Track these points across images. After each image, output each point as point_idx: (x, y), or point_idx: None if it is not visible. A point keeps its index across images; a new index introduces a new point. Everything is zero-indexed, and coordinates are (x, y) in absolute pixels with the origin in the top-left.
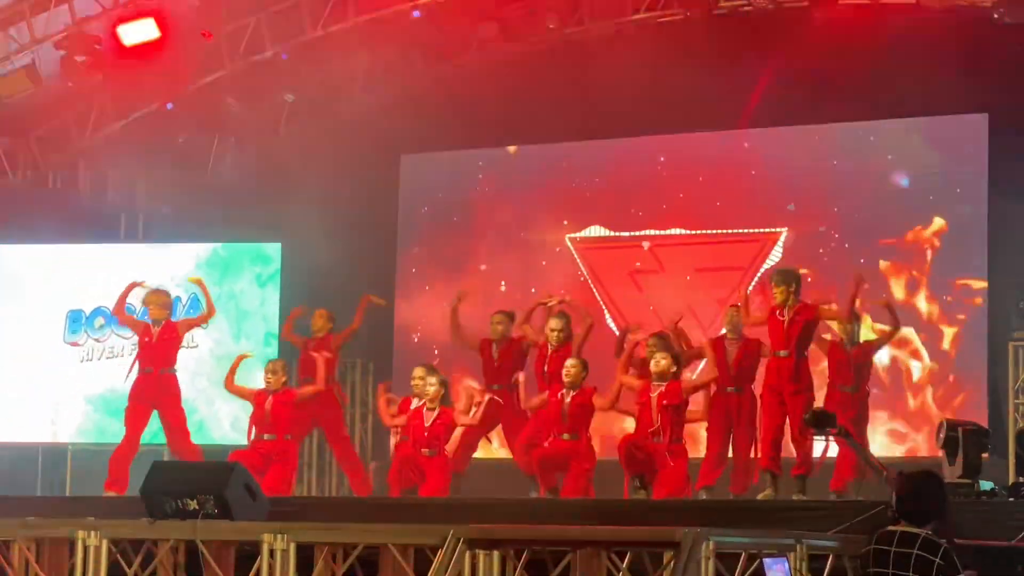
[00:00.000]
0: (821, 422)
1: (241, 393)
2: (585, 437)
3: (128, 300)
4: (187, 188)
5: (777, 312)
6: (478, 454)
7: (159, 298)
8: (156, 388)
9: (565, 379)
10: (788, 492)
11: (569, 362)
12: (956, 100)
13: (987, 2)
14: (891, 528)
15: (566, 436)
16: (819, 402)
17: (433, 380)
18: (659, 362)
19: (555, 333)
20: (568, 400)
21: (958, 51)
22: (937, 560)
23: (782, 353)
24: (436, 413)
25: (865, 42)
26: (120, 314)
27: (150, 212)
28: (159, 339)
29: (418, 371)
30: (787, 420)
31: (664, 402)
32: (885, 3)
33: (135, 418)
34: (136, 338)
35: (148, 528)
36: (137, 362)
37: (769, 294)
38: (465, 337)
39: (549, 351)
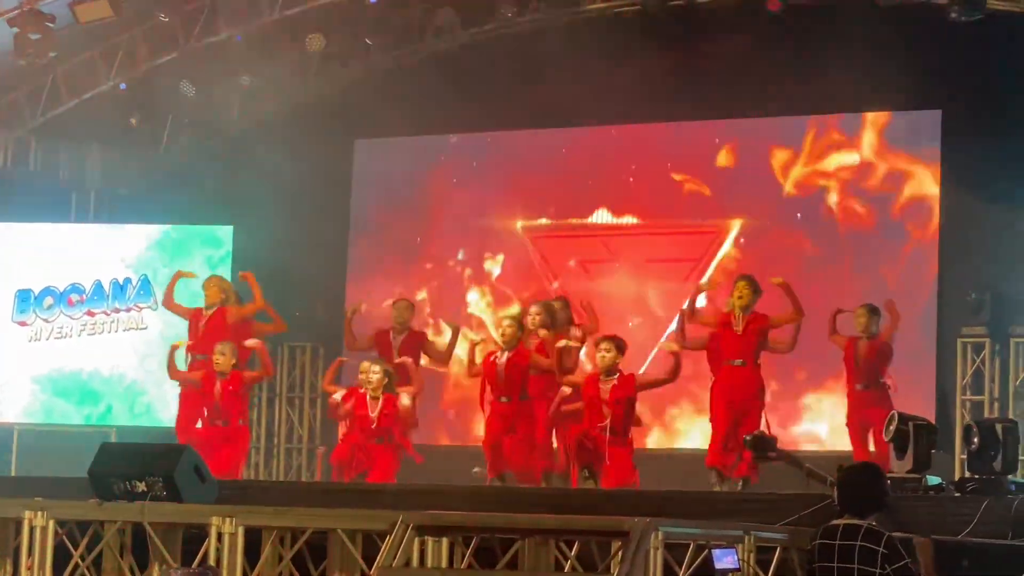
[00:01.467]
0: (760, 446)
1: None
2: (519, 398)
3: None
4: (140, 169)
5: (733, 322)
6: (425, 441)
7: (218, 282)
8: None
9: (500, 338)
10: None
11: (505, 320)
12: (911, 96)
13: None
14: (835, 522)
15: (504, 399)
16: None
17: (376, 368)
18: (604, 356)
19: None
20: (503, 360)
21: (913, 47)
22: (880, 549)
23: (737, 362)
24: (380, 402)
25: (822, 37)
26: (168, 302)
27: (101, 192)
28: (208, 326)
29: (363, 364)
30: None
31: (617, 396)
32: None
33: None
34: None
35: (96, 509)
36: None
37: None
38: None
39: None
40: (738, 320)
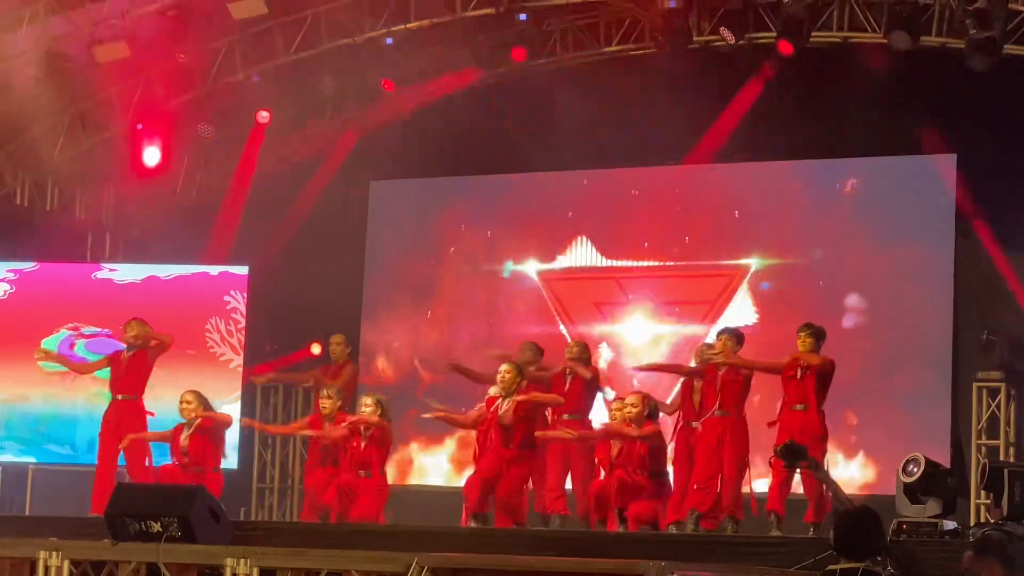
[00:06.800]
0: (792, 455)
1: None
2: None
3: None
4: (156, 209)
5: (796, 369)
6: (442, 481)
7: (140, 325)
8: (122, 415)
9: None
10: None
11: (503, 367)
12: (925, 140)
13: (958, 44)
14: (831, 567)
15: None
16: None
17: (368, 400)
18: (727, 343)
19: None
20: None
21: (928, 92)
22: None
23: (799, 407)
24: (370, 432)
25: (836, 80)
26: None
27: (117, 232)
28: (128, 366)
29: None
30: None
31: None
32: (856, 42)
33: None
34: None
35: (110, 550)
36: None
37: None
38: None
39: None
40: (799, 367)
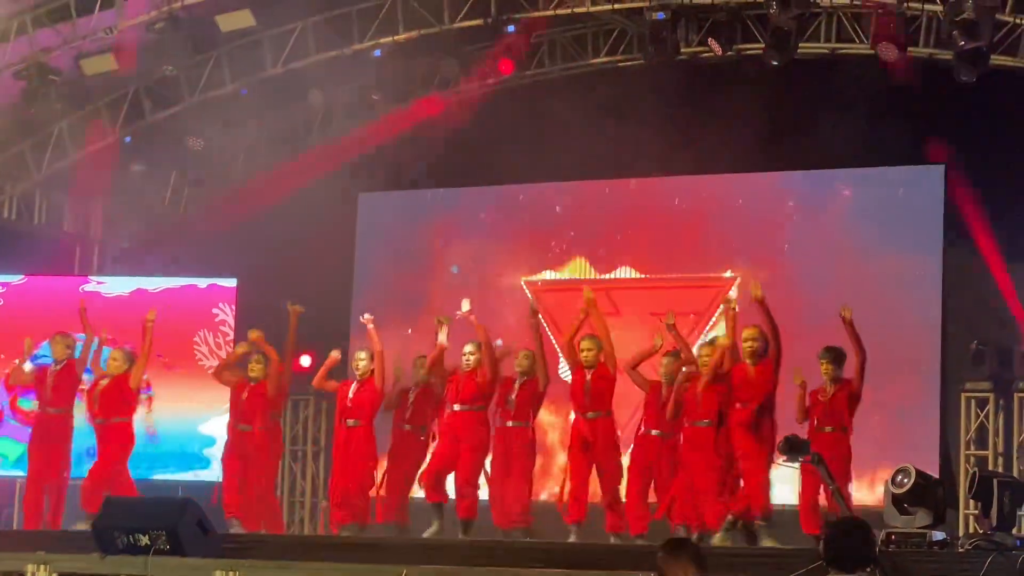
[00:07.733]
0: (795, 448)
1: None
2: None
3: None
4: (144, 222)
5: (820, 392)
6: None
7: (64, 339)
8: (51, 429)
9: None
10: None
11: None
12: (914, 151)
13: (946, 55)
14: None
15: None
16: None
17: (363, 355)
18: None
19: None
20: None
21: (916, 103)
22: None
23: (828, 429)
24: (362, 385)
25: (824, 90)
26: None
27: (105, 244)
28: (56, 379)
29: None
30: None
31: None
32: (844, 53)
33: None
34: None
35: (99, 563)
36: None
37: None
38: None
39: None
40: (827, 389)
